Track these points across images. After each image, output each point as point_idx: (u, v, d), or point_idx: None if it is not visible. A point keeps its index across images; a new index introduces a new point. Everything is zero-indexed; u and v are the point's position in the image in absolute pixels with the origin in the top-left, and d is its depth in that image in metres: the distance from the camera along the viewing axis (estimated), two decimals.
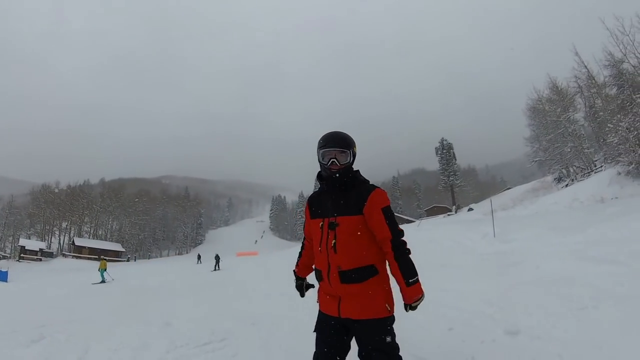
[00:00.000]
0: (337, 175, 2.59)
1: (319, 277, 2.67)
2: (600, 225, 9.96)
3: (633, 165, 25.19)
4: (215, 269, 30.36)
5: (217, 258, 34.84)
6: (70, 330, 6.73)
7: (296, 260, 3.08)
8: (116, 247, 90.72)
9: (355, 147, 2.67)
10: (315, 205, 2.75)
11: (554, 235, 11.19)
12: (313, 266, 2.81)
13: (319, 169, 2.70)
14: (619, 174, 26.78)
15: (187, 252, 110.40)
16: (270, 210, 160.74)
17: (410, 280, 2.47)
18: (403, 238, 2.54)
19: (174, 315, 7.65)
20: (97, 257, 78.42)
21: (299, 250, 3.10)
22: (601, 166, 36.54)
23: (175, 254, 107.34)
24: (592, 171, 38.90)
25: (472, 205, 61.88)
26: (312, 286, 2.99)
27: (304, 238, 3.03)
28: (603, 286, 4.95)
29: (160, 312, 8.28)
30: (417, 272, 2.51)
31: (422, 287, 2.53)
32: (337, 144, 2.61)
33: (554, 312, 4.46)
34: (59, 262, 68.86)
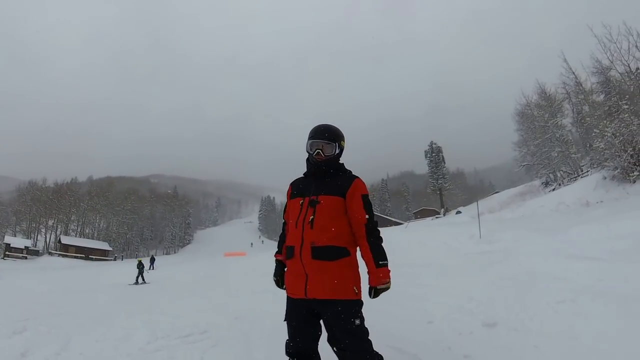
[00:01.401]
0: (323, 164, 2.70)
1: (290, 254, 2.68)
2: (584, 226, 10.07)
3: (618, 169, 25.50)
4: (138, 282, 20.56)
5: (151, 260, 33.62)
6: (53, 323, 6.74)
7: (278, 245, 3.03)
8: (103, 246, 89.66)
9: (343, 141, 2.79)
10: (298, 186, 2.82)
11: (538, 236, 11.31)
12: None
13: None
14: (605, 178, 27.07)
15: (175, 252, 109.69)
16: (259, 211, 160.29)
17: (380, 262, 2.52)
18: (377, 227, 2.62)
19: (158, 310, 7.67)
20: (83, 255, 77.70)
21: (280, 234, 3.06)
22: (587, 171, 36.96)
23: (163, 254, 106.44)
24: (579, 176, 39.32)
25: (460, 208, 62.35)
26: None
27: (284, 223, 3.02)
28: (582, 281, 5.02)
29: (144, 307, 8.26)
30: (387, 259, 2.57)
31: (391, 275, 2.57)
32: (324, 135, 2.73)
33: (532, 306, 4.52)
34: (45, 260, 67.95)
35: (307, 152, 2.77)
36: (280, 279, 2.92)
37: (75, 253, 79.07)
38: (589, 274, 5.18)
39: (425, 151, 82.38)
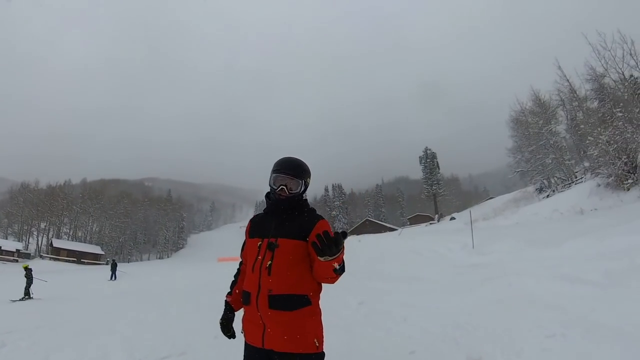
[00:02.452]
0: (284, 202, 2.48)
1: (246, 301, 2.44)
2: (577, 240, 9.92)
3: (612, 177, 25.49)
4: (27, 296, 15.80)
5: (113, 267, 27.18)
6: (34, 338, 6.67)
7: (230, 286, 2.75)
8: (95, 249, 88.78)
9: (309, 177, 2.59)
10: (257, 225, 2.59)
11: (530, 249, 11.16)
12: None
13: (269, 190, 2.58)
14: (599, 185, 27.11)
15: (168, 257, 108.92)
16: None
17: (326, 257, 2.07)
18: (343, 269, 2.28)
19: (138, 325, 7.52)
20: (75, 259, 77.07)
21: (235, 273, 2.78)
22: (581, 177, 37.02)
23: (157, 258, 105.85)
24: (573, 182, 39.38)
25: (454, 215, 62.37)
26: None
27: (240, 262, 2.76)
28: (574, 310, 4.80)
29: (126, 321, 8.06)
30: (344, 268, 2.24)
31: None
32: (290, 170, 2.51)
33: (520, 340, 4.28)
34: (37, 263, 66.82)
35: (270, 186, 2.55)
36: (226, 324, 2.59)
37: (67, 257, 78.18)
38: (582, 302, 4.96)
39: (419, 157, 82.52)
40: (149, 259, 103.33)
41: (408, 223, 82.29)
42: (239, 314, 2.58)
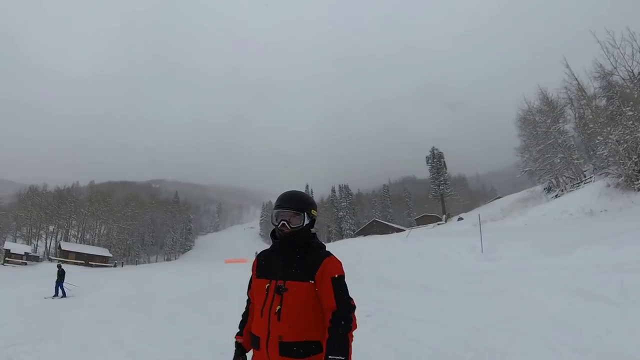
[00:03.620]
0: (290, 237, 2.37)
1: (255, 345, 2.34)
2: (590, 247, 9.68)
3: (622, 177, 25.07)
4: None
5: (60, 275, 17.44)
6: (39, 352, 6.64)
7: (239, 325, 2.63)
8: (103, 252, 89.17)
9: (313, 209, 2.47)
10: (264, 263, 2.48)
11: (540, 256, 10.94)
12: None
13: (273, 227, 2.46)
14: (609, 186, 26.67)
15: (175, 258, 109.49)
16: (261, 217, 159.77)
17: (330, 357, 2.10)
18: (350, 313, 2.23)
19: (143, 337, 7.47)
20: (83, 262, 77.44)
21: (243, 312, 2.66)
22: (590, 177, 36.60)
23: (164, 260, 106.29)
24: (582, 182, 38.95)
25: (462, 215, 61.87)
26: None
27: (248, 300, 2.64)
28: (589, 331, 4.63)
29: (130, 332, 7.98)
30: (349, 354, 2.16)
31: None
32: (291, 204, 2.42)
33: None
34: (45, 266, 67.29)
35: (272, 223, 2.44)
36: None
37: (75, 259, 78.47)
38: (597, 322, 4.78)
39: (426, 157, 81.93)
40: (156, 261, 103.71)
41: (415, 223, 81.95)
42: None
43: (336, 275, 2.27)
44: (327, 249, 2.42)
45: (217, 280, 19.57)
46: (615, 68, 31.88)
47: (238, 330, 2.61)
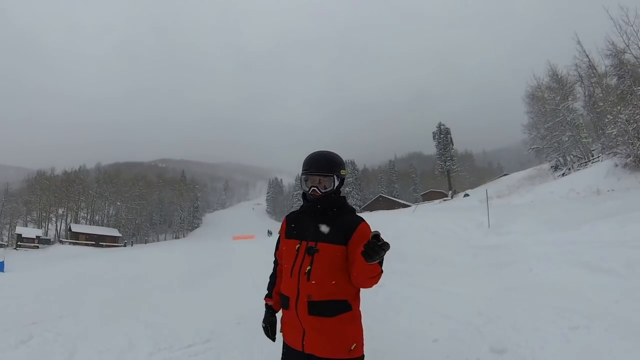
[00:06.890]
0: (322, 200, 2.41)
1: (284, 305, 2.43)
2: (597, 223, 9.84)
3: (631, 157, 24.95)
4: None
5: None
6: (59, 328, 6.68)
7: (268, 287, 2.73)
8: (113, 232, 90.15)
9: (342, 169, 2.46)
10: (294, 224, 2.52)
11: (548, 231, 11.12)
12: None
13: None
14: (617, 165, 26.58)
15: (184, 236, 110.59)
16: (267, 193, 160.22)
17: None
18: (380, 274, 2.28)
19: (161, 312, 7.56)
20: (94, 243, 78.39)
21: (271, 274, 2.76)
22: (598, 156, 36.46)
23: (173, 238, 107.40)
24: (589, 161, 38.82)
25: (468, 191, 61.87)
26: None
27: (275, 261, 2.74)
28: (597, 301, 4.85)
29: (148, 307, 8.17)
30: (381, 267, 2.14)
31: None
32: (320, 167, 2.40)
33: (544, 330, 4.33)
34: (57, 249, 68.32)
35: (302, 188, 2.49)
36: (270, 327, 2.65)
37: (86, 240, 79.43)
38: (605, 293, 4.99)
39: (433, 132, 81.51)
40: (165, 239, 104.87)
41: (421, 199, 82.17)
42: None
43: None
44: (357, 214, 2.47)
45: (227, 255, 19.83)
46: (627, 46, 31.51)
47: (267, 292, 2.70)
